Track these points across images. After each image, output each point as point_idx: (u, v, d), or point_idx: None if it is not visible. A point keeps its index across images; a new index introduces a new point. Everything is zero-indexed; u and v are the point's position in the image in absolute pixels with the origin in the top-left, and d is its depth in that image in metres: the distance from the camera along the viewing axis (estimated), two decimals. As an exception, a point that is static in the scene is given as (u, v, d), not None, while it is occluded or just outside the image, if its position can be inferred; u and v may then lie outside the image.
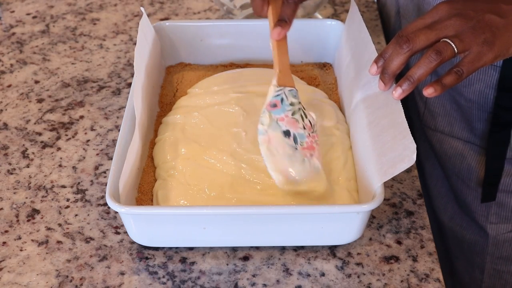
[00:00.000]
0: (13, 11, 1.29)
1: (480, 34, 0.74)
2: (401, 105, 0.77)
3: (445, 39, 0.74)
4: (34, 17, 1.27)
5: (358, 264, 0.79)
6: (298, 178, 0.79)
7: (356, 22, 0.94)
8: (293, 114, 0.82)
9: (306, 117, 0.83)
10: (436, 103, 1.02)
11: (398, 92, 0.76)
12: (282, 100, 0.83)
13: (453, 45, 0.73)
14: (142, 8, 0.96)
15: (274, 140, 0.80)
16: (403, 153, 0.73)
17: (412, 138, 0.73)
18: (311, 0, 1.12)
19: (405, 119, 0.76)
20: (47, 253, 0.81)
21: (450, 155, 1.04)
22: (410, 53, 0.75)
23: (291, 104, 0.83)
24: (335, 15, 1.24)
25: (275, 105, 0.83)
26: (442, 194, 1.11)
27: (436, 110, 1.03)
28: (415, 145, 0.72)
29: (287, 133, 0.81)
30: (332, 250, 0.81)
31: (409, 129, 0.74)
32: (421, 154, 1.11)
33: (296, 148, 0.80)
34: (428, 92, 0.74)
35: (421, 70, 0.74)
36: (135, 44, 1.16)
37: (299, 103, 0.84)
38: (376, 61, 0.80)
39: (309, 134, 0.82)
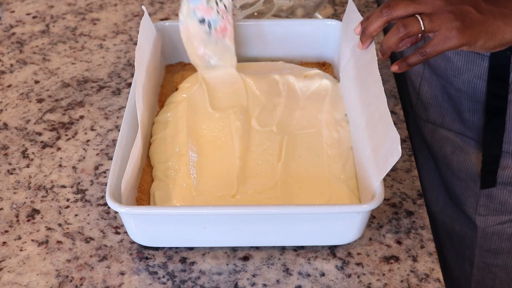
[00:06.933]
0: (13, 11, 1.29)
1: (453, 20, 0.77)
2: (385, 96, 0.79)
3: (417, 15, 0.78)
4: (34, 17, 1.27)
5: (358, 264, 0.79)
6: (212, 56, 0.96)
7: (354, 20, 0.94)
8: (208, 1, 0.94)
9: (221, 1, 0.95)
10: (428, 93, 1.04)
11: (374, 51, 0.84)
12: None
13: (422, 23, 0.78)
14: (143, 7, 0.96)
15: (191, 28, 0.96)
16: (391, 146, 0.74)
17: (395, 128, 0.75)
18: (311, 0, 1.12)
19: (388, 109, 0.78)
20: (47, 253, 0.81)
21: (441, 146, 1.06)
22: (387, 18, 0.81)
23: None
24: (335, 15, 1.24)
25: None
26: (434, 186, 1.12)
27: (428, 101, 1.05)
28: (398, 136, 0.73)
29: (202, 21, 0.95)
30: (332, 250, 0.81)
31: (391, 120, 0.76)
32: (414, 145, 1.11)
33: (210, 33, 0.95)
34: (393, 69, 0.82)
35: (390, 39, 0.80)
36: (135, 44, 1.16)
37: None
38: (361, 22, 0.86)
39: (222, 17, 0.95)
